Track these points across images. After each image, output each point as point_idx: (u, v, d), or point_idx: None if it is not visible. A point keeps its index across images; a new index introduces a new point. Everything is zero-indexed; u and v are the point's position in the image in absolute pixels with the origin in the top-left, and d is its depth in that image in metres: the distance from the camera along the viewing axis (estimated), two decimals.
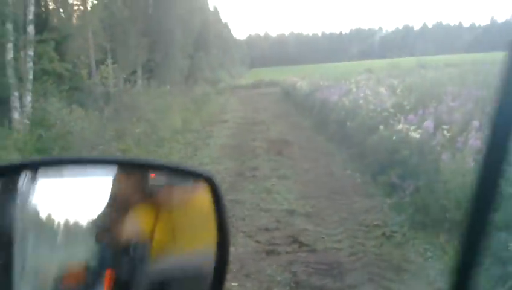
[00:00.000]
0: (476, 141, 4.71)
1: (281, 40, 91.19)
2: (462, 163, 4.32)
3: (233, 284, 3.63)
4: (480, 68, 10.93)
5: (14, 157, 5.95)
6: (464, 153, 4.49)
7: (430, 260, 3.92)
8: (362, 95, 10.11)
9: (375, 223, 4.89)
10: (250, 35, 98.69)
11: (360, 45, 73.37)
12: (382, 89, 10.38)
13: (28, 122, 9.00)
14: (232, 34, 60.82)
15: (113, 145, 7.81)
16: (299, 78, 21.80)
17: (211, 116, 16.24)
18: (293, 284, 3.60)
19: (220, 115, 16.59)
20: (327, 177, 7.03)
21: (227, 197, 6.10)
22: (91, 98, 11.25)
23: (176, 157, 9.20)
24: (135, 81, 15.83)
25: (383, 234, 4.57)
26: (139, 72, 17.64)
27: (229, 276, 2.77)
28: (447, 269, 3.67)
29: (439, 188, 4.44)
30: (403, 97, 8.47)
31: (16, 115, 9.50)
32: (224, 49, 45.41)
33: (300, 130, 11.96)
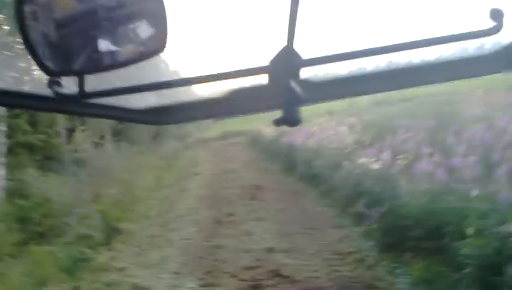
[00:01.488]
0: (428, 165, 5.27)
1: None
2: (418, 185, 4.83)
3: None
4: (430, 100, 11.88)
5: None
6: (418, 177, 5.02)
7: (398, 276, 4.34)
8: (325, 136, 10.74)
9: (348, 250, 5.29)
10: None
11: None
12: (343, 128, 11.03)
13: (3, 195, 9.10)
14: None
15: (91, 207, 7.98)
16: (265, 125, 22.47)
17: (182, 171, 16.48)
18: None
19: (191, 168, 16.85)
20: (300, 215, 7.43)
21: (209, 243, 6.42)
22: (64, 165, 11.41)
23: (153, 212, 9.41)
24: (104, 145, 16.05)
25: (356, 259, 4.98)
26: (108, 136, 17.89)
27: None
28: (414, 282, 4.11)
29: (400, 211, 4.92)
30: (362, 134, 9.11)
31: None
32: None
33: (270, 175, 12.40)
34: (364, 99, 25.84)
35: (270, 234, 6.47)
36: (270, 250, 5.70)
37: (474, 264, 3.35)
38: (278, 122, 0.66)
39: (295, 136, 13.31)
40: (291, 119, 0.65)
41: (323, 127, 13.17)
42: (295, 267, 4.97)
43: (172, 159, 19.71)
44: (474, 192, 3.94)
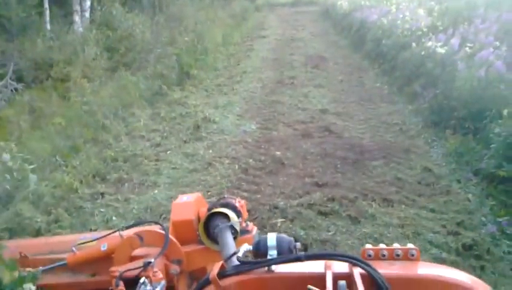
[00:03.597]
0: (491, 56, 5.39)
1: None
2: (475, 72, 5.06)
3: (277, 152, 4.72)
4: None
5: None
6: (477, 65, 5.21)
7: (434, 147, 4.88)
8: (401, 15, 10.50)
9: (395, 122, 5.80)
10: None
11: None
12: (420, 11, 10.69)
13: (87, 24, 10.00)
14: None
15: (168, 49, 8.73)
16: None
17: (250, 32, 16.75)
18: (323, 155, 4.65)
19: (259, 31, 17.04)
20: (358, 88, 7.85)
21: (270, 98, 7.11)
22: (142, 5, 12.04)
23: (220, 65, 10.11)
24: None
25: (400, 129, 5.51)
26: None
27: (272, 148, 4.11)
28: (446, 153, 4.64)
29: (452, 93, 5.24)
30: (437, 18, 8.90)
31: (76, 18, 10.50)
32: None
33: (337, 48, 12.51)
34: None
35: (326, 99, 7.02)
36: (324, 111, 6.31)
37: (501, 141, 3.80)
38: None
39: (371, 12, 13.01)
40: None
41: (402, 7, 12.70)
42: (344, 127, 5.60)
43: (241, 19, 19.82)
44: None
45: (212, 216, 1.00)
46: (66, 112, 5.77)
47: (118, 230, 1.02)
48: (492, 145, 3.97)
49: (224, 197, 1.07)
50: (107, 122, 5.45)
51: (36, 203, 3.78)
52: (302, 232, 3.17)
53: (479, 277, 2.74)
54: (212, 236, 0.99)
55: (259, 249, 0.82)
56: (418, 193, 3.88)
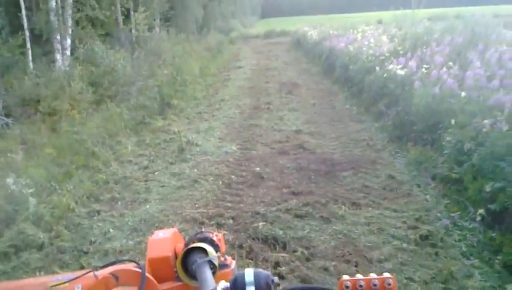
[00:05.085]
0: (444, 75, 6.04)
1: None
2: (429, 90, 5.67)
3: (256, 168, 5.17)
4: (478, 19, 11.97)
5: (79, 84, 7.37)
6: (432, 83, 5.84)
7: (397, 158, 5.42)
8: (366, 43, 11.28)
9: (363, 138, 6.36)
10: None
11: None
12: (384, 37, 11.51)
13: (70, 62, 10.43)
14: None
15: (149, 82, 9.21)
16: (310, 28, 22.61)
17: (225, 63, 17.43)
18: (298, 169, 5.13)
19: (234, 62, 17.74)
20: (329, 110, 8.44)
21: (248, 122, 7.60)
22: (121, 42, 12.56)
23: (200, 95, 10.61)
24: (155, 28, 17.06)
25: (367, 144, 6.06)
26: (157, 20, 18.78)
27: (252, 165, 4.71)
28: (407, 162, 5.18)
29: (411, 109, 5.84)
30: (399, 44, 9.67)
31: (57, 56, 10.92)
32: None
33: (309, 75, 13.23)
34: (421, 13, 25.26)
35: (300, 121, 7.57)
36: (299, 132, 6.83)
37: (451, 147, 4.35)
38: None
39: (338, 41, 13.83)
40: None
41: (367, 35, 13.54)
42: (316, 145, 6.11)
43: (217, 51, 20.54)
44: (468, 96, 4.82)
45: (189, 252, 0.96)
46: (56, 143, 6.12)
47: (92, 270, 0.98)
48: (445, 152, 4.52)
49: (201, 232, 1.03)
50: (96, 150, 5.82)
51: (37, 223, 4.10)
52: (280, 232, 3.60)
53: (434, 261, 3.23)
54: (191, 272, 0.94)
55: (237, 286, 0.80)
56: (382, 197, 4.37)
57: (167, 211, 4.16)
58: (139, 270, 0.97)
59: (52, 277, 1.04)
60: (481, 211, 3.58)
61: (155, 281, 0.97)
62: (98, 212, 4.29)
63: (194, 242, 0.99)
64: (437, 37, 8.56)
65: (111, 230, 3.88)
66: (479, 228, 3.57)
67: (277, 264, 3.17)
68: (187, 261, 0.96)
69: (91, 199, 4.61)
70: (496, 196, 3.51)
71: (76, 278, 0.99)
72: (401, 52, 8.77)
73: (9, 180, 4.11)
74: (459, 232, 3.63)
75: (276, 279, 0.82)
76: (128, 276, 0.98)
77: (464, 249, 3.39)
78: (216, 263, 0.93)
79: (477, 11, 22.82)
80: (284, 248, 3.42)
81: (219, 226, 3.79)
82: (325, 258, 3.26)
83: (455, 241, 3.52)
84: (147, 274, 0.96)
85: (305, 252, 3.33)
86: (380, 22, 23.02)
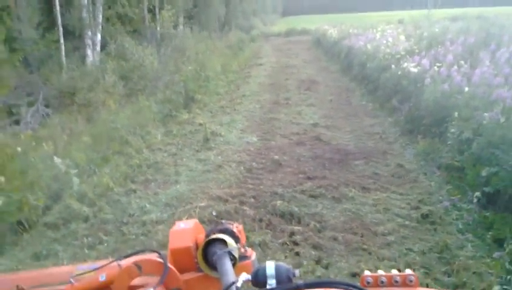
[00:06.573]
0: (454, 73, 6.39)
1: None
2: (439, 87, 6.04)
3: (275, 156, 5.64)
4: (494, 20, 12.17)
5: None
6: (441, 80, 6.20)
7: (407, 149, 5.82)
8: (384, 42, 11.61)
9: (376, 131, 6.76)
10: None
11: None
12: (402, 37, 11.83)
13: (101, 57, 11.08)
14: None
15: (175, 77, 9.76)
16: (330, 26, 22.92)
17: (247, 60, 17.90)
18: (313, 157, 5.58)
19: (255, 60, 18.21)
20: (345, 106, 8.85)
21: (268, 116, 8.07)
22: (147, 39, 13.18)
23: (222, 90, 11.12)
24: (179, 26, 17.69)
25: (380, 137, 6.46)
26: (181, 18, 19.42)
27: (271, 153, 5.32)
28: (416, 153, 5.58)
29: (421, 105, 6.22)
30: (415, 43, 10.00)
31: (88, 52, 11.59)
32: None
33: (327, 73, 13.62)
34: (443, 12, 25.31)
35: (317, 115, 8.00)
36: (315, 125, 7.27)
37: (454, 138, 4.74)
38: None
39: (357, 39, 14.17)
40: None
41: (385, 34, 13.84)
42: (332, 137, 6.54)
43: (238, 49, 21.05)
44: (473, 92, 5.20)
45: (210, 243, 0.97)
46: (92, 131, 6.70)
47: (116, 260, 1.00)
48: (449, 143, 4.92)
49: (221, 223, 1.04)
50: (129, 138, 6.38)
51: (81, 200, 4.65)
52: (296, 209, 4.07)
53: (432, 236, 3.65)
54: (211, 263, 0.94)
55: (258, 279, 0.81)
56: (390, 183, 4.79)
57: (195, 191, 4.67)
58: (161, 260, 0.98)
59: (77, 265, 1.06)
60: (477, 193, 3.98)
61: (177, 272, 0.99)
62: (134, 191, 4.82)
63: (214, 233, 1.00)
64: (451, 37, 8.88)
65: (147, 205, 4.41)
66: (475, 208, 3.97)
67: (292, 234, 3.65)
68: (208, 252, 0.97)
69: (127, 180, 5.15)
70: (490, 180, 3.91)
71: (101, 267, 1.01)
72: (417, 51, 9.10)
73: (58, 160, 4.67)
74: (457, 212, 4.03)
75: (297, 272, 0.83)
76: (150, 266, 0.99)
77: (460, 226, 3.79)
78: (236, 254, 0.94)
79: (500, 11, 22.91)
80: (299, 222, 3.89)
81: (241, 203, 4.28)
82: (335, 230, 3.72)
83: (453, 219, 3.93)
84: (169, 264, 0.97)
85: (317, 225, 3.79)
86: (401, 21, 23.22)
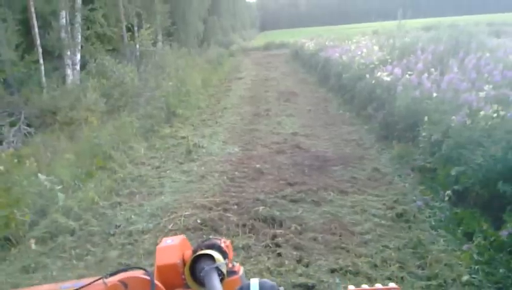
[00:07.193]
0: (424, 80, 6.69)
1: (291, 2, 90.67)
2: (410, 93, 6.33)
3: (257, 165, 5.81)
4: (463, 28, 12.68)
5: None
6: (412, 87, 6.49)
7: (383, 154, 6.06)
8: (359, 52, 11.98)
9: (353, 138, 7.01)
10: None
11: (374, 4, 71.47)
12: (375, 47, 12.21)
13: (81, 76, 11.15)
14: None
15: (155, 93, 9.90)
16: (308, 39, 23.38)
17: (227, 74, 18.16)
18: (294, 164, 5.77)
19: (235, 73, 18.48)
20: (323, 115, 9.11)
21: (249, 127, 8.25)
22: (127, 57, 13.31)
23: (203, 104, 11.28)
24: (158, 43, 17.89)
25: (357, 143, 6.71)
26: (160, 35, 19.62)
27: (253, 162, 5.53)
28: (391, 157, 5.82)
29: (394, 111, 6.49)
30: (388, 53, 10.36)
31: (68, 71, 11.64)
32: (236, 13, 46.59)
33: (305, 84, 13.94)
34: (417, 22, 26.06)
35: (296, 125, 8.22)
36: (295, 134, 7.49)
37: (426, 141, 5.00)
38: None
39: (333, 51, 14.54)
40: None
41: (360, 45, 14.23)
42: (311, 145, 6.76)
43: (217, 64, 21.31)
44: (442, 97, 5.49)
45: (197, 259, 0.95)
46: (75, 148, 6.77)
47: (102, 278, 0.97)
48: (421, 146, 5.17)
49: (209, 238, 1.03)
50: (112, 153, 6.47)
51: (66, 214, 4.72)
52: (277, 213, 4.24)
53: (407, 233, 3.85)
54: (199, 279, 0.93)
55: None
56: (367, 186, 5.00)
57: (180, 201, 4.80)
58: (148, 277, 0.96)
59: (61, 284, 1.02)
60: (448, 192, 4.22)
61: (164, 289, 0.97)
62: (120, 203, 4.92)
63: (202, 249, 0.99)
64: (422, 46, 9.25)
65: (133, 216, 4.51)
66: (446, 206, 4.20)
67: (274, 237, 3.81)
68: (195, 268, 0.96)
69: (112, 193, 5.24)
70: (459, 179, 4.14)
71: (86, 285, 0.97)
72: (389, 60, 9.44)
73: (42, 177, 4.76)
74: (429, 210, 4.25)
75: (282, 289, 0.80)
76: (137, 283, 0.97)
77: (433, 223, 4.01)
78: (224, 270, 0.93)
79: (472, 20, 23.74)
80: (281, 225, 4.06)
81: (225, 210, 4.43)
82: (315, 232, 3.89)
83: (426, 217, 4.14)
84: (156, 281, 0.96)
85: (298, 227, 3.96)
86: (375, 32, 23.85)
